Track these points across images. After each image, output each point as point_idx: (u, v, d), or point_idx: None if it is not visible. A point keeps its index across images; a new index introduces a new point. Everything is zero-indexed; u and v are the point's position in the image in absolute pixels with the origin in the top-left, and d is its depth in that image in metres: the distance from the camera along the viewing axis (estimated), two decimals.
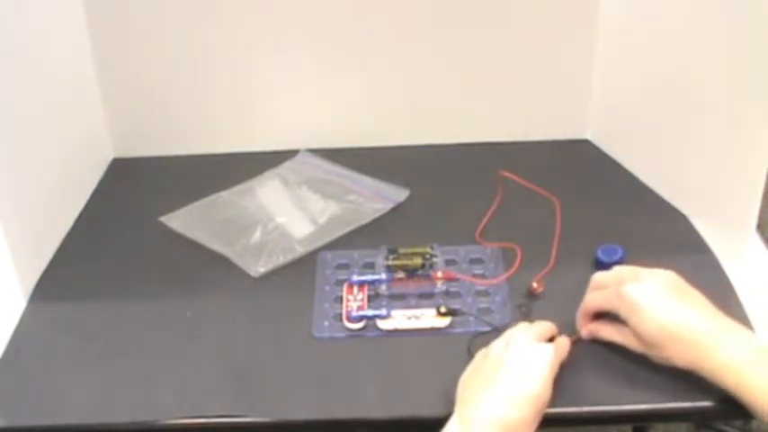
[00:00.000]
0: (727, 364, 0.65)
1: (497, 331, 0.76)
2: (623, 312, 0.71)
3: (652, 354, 0.70)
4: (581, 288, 0.81)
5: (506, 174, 0.96)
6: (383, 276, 0.85)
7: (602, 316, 0.75)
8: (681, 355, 0.68)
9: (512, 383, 0.65)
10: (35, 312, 0.84)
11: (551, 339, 0.73)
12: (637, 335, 0.70)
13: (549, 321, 0.75)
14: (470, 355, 0.72)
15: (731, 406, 0.68)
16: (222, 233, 0.93)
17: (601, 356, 0.74)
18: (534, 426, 0.64)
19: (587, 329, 0.75)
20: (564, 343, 0.73)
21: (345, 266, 0.88)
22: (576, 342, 0.75)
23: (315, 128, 1.10)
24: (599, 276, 0.76)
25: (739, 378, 0.65)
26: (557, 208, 0.95)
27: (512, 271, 0.85)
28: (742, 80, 0.82)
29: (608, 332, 0.74)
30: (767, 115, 0.81)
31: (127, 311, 0.83)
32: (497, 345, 0.70)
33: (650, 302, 0.69)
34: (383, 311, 0.80)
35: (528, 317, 0.79)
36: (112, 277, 0.89)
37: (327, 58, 1.06)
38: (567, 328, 0.77)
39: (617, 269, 0.75)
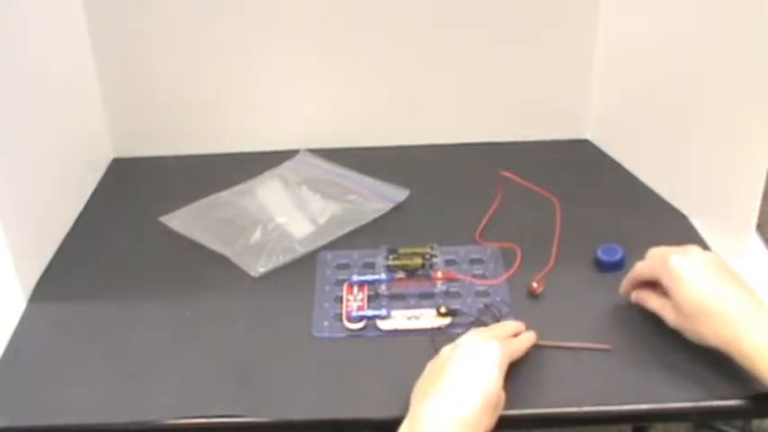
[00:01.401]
0: (763, 350, 0.64)
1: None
2: (666, 281, 0.72)
3: (686, 328, 0.71)
4: (581, 288, 0.81)
5: (506, 174, 0.96)
6: (383, 276, 0.85)
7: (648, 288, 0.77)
8: (715, 333, 0.68)
9: (458, 379, 0.65)
10: (35, 312, 0.84)
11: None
12: (675, 306, 0.71)
13: (517, 321, 0.76)
14: (435, 350, 0.72)
15: (731, 406, 0.68)
16: (222, 233, 0.93)
17: (600, 357, 0.74)
18: (488, 422, 0.63)
19: (637, 295, 0.78)
20: (525, 339, 0.73)
21: (345, 266, 0.88)
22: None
23: (315, 128, 1.10)
24: (653, 249, 0.77)
25: None
26: (556, 208, 0.95)
27: (512, 271, 0.85)
28: (742, 80, 0.82)
29: (651, 300, 0.75)
30: (767, 115, 0.81)
31: (127, 311, 0.83)
32: (446, 348, 0.70)
33: (693, 273, 0.71)
34: (383, 311, 0.80)
35: (498, 319, 0.79)
36: (112, 277, 0.89)
37: (327, 58, 1.06)
38: (568, 328, 0.77)
39: (669, 247, 0.76)
